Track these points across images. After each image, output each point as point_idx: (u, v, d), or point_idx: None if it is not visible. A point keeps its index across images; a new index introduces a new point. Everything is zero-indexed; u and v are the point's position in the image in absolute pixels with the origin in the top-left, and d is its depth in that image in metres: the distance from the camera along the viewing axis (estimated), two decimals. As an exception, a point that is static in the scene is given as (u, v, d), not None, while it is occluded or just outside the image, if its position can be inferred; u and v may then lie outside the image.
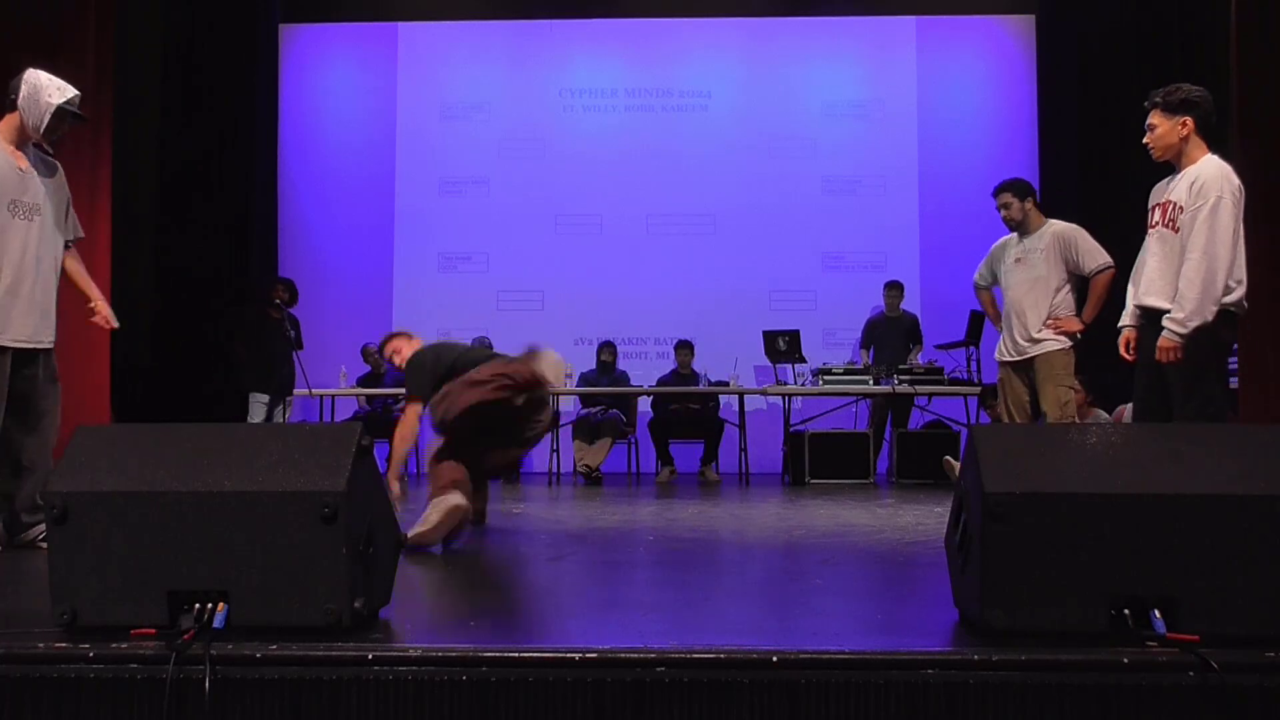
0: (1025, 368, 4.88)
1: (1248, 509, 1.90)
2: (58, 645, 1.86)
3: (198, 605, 1.92)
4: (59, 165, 3.80)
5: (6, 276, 3.49)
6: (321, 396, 7.97)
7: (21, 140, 3.59)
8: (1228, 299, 3.60)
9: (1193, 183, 3.60)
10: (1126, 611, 1.89)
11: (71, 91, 3.59)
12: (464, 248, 9.34)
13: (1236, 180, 3.60)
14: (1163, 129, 3.68)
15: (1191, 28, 7.91)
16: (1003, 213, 5.02)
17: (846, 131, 9.31)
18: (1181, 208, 3.62)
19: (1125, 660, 1.80)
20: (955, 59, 9.37)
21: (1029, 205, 4.96)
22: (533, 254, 9.28)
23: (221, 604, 1.92)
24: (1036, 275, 4.84)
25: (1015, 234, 5.04)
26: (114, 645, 1.85)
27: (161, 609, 1.93)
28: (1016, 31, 9.37)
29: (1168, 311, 3.61)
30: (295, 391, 7.76)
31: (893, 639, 2.02)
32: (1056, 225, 4.90)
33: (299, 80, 9.47)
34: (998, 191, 5.06)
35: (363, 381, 8.38)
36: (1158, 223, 3.74)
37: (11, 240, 3.50)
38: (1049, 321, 4.77)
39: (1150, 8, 8.37)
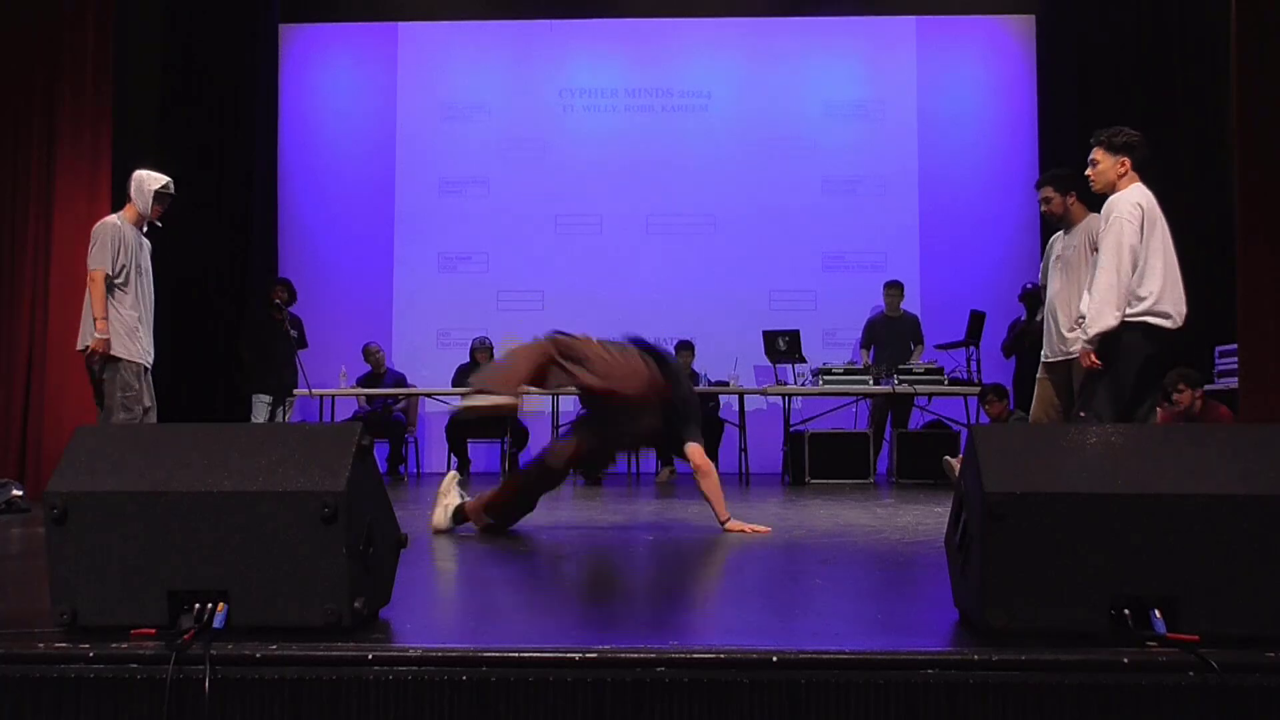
0: (1062, 370, 4.66)
1: (1248, 509, 1.90)
2: (58, 645, 1.85)
3: (198, 605, 1.91)
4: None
5: (139, 313, 5.01)
6: (321, 396, 7.97)
7: (138, 220, 5.11)
8: (1135, 309, 3.93)
9: (1104, 209, 4.09)
10: (1126, 611, 1.89)
11: (164, 179, 5.12)
12: (464, 248, 9.34)
13: (1139, 200, 3.99)
14: (1104, 165, 4.14)
15: (1192, 29, 7.91)
16: (1043, 207, 4.83)
17: (846, 131, 9.31)
18: (1098, 232, 4.13)
19: (1125, 660, 1.80)
20: (955, 59, 9.38)
21: (1071, 200, 4.74)
22: (533, 254, 9.28)
23: (221, 604, 1.91)
24: (1071, 273, 4.65)
25: (1061, 230, 4.83)
26: (114, 645, 1.85)
27: (161, 609, 1.93)
28: (1016, 31, 9.37)
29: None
30: (296, 391, 7.76)
31: (893, 639, 2.02)
32: (1091, 220, 4.64)
33: (299, 80, 9.47)
34: (1039, 185, 4.90)
35: (363, 381, 8.38)
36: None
37: (141, 289, 5.06)
38: (1079, 320, 4.49)
39: (1150, 8, 8.37)
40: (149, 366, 5.12)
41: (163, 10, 8.53)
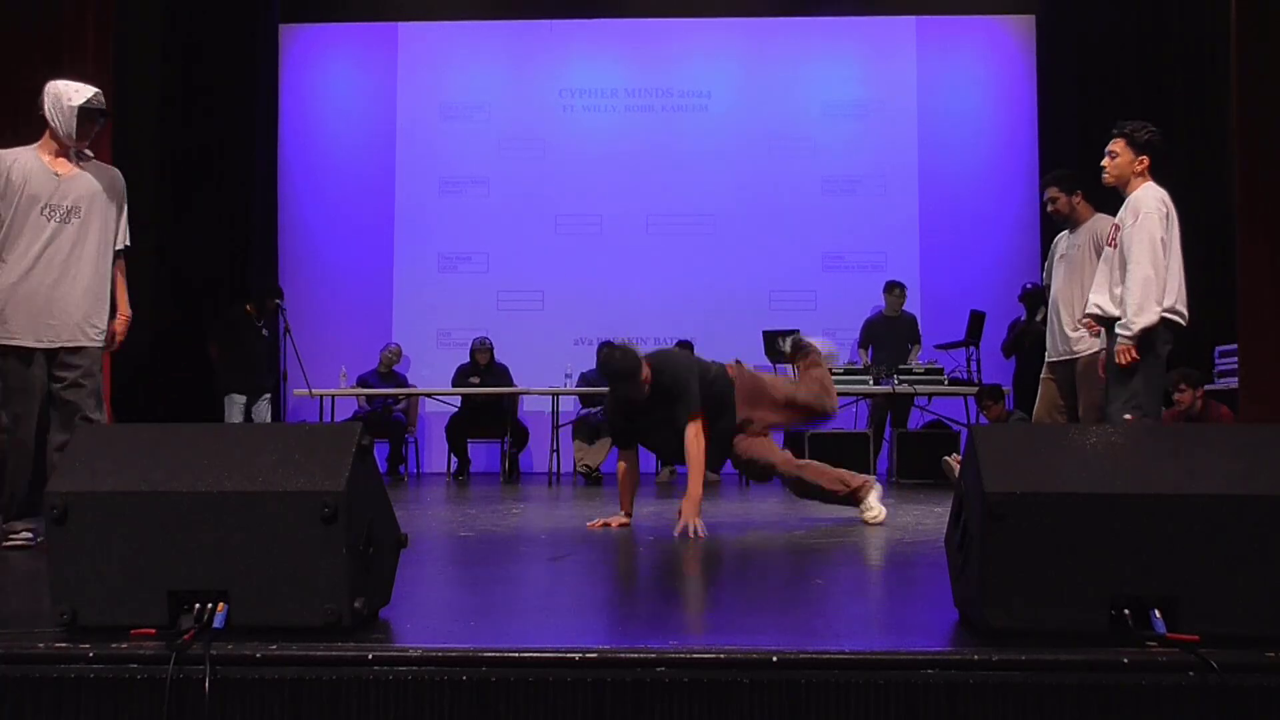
0: (1065, 370, 4.64)
1: (1248, 509, 1.90)
2: (58, 645, 1.85)
3: (198, 605, 1.92)
4: (117, 174, 3.89)
5: (13, 275, 3.59)
6: (321, 396, 7.96)
7: (62, 149, 3.71)
8: (1162, 306, 3.87)
9: (1130, 205, 4.00)
10: (1126, 611, 1.89)
11: (90, 91, 3.71)
12: (464, 248, 9.34)
13: (1162, 197, 3.96)
14: (1123, 159, 4.06)
15: (1192, 29, 7.91)
16: (1049, 207, 4.79)
17: (846, 131, 9.31)
18: (1118, 227, 4.04)
19: (1125, 660, 1.80)
20: (955, 59, 9.37)
21: (1077, 199, 4.69)
22: (533, 254, 9.28)
23: (221, 604, 1.91)
24: (1074, 272, 4.62)
25: (1066, 229, 4.79)
26: (114, 645, 1.85)
27: (161, 609, 1.93)
28: (1016, 31, 9.37)
29: (1113, 317, 3.97)
30: (296, 392, 7.75)
31: (893, 639, 2.02)
32: (1097, 219, 4.62)
33: (299, 80, 9.47)
34: (1044, 185, 4.90)
35: (364, 381, 8.38)
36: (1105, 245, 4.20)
37: (34, 240, 3.60)
38: (1082, 320, 4.49)
39: (1150, 8, 8.37)
40: (51, 350, 3.62)
41: (163, 10, 8.53)
